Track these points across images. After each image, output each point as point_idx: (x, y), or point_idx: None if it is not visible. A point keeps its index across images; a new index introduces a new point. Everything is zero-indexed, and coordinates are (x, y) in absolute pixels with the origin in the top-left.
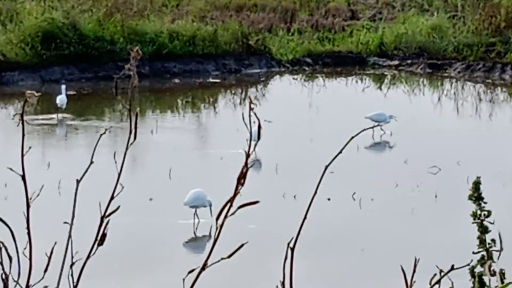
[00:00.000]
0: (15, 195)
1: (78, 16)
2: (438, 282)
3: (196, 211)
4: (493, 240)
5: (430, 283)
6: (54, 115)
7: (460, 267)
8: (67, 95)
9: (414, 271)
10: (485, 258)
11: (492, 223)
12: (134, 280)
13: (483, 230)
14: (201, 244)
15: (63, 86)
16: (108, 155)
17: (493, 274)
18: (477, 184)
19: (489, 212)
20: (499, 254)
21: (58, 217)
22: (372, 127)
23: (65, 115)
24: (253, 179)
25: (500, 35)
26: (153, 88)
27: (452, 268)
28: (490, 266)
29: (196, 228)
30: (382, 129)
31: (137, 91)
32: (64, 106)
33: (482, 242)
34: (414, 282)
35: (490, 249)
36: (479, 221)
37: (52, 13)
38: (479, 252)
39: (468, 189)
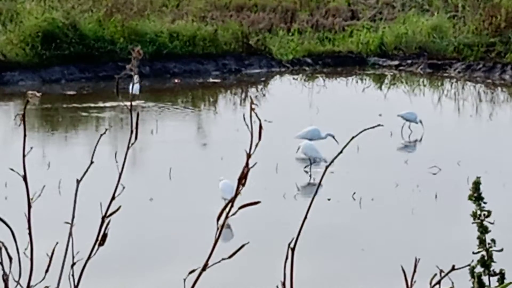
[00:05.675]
0: (16, 195)
1: (78, 16)
2: (439, 282)
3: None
4: (493, 240)
5: (430, 283)
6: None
7: (461, 267)
8: (140, 86)
9: (414, 271)
10: (485, 258)
11: (492, 223)
12: (135, 280)
13: (483, 230)
14: (202, 244)
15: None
16: (109, 155)
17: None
18: (477, 184)
19: (489, 212)
20: None
21: (59, 217)
22: (373, 127)
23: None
24: (253, 179)
25: (500, 35)
26: (153, 88)
27: (453, 268)
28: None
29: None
30: (410, 129)
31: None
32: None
33: (482, 242)
34: (414, 282)
35: (490, 249)
36: (479, 221)
37: (52, 13)
38: (479, 252)
39: (469, 189)
